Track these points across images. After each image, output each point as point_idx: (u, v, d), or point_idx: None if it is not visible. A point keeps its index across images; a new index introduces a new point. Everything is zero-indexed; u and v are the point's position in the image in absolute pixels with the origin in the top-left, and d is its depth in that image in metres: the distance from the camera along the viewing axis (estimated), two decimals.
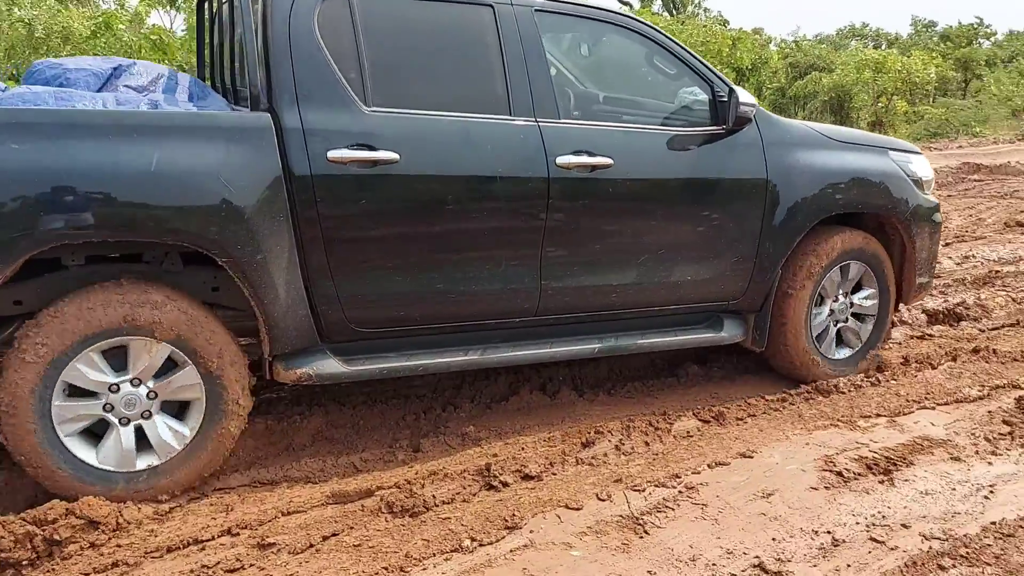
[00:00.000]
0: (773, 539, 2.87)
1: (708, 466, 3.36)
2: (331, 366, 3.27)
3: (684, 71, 3.86)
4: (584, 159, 3.46)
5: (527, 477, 3.24)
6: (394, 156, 3.11)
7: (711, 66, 3.92)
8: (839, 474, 3.33)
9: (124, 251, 3.03)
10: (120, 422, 2.96)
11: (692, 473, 3.30)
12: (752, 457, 3.47)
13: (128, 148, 2.77)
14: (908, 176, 4.33)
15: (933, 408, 4.01)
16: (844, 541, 2.86)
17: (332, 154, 3.04)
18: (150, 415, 3.00)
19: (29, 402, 2.77)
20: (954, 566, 2.72)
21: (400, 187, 3.17)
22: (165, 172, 2.80)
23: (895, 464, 3.41)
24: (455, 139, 3.28)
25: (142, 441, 3.01)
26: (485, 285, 3.42)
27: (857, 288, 4.40)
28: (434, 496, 3.05)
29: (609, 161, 3.51)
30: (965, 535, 2.88)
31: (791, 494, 3.17)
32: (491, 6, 3.40)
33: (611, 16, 3.76)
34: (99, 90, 3.37)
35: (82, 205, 2.70)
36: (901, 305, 4.69)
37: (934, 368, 4.51)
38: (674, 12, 31.42)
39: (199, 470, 3.11)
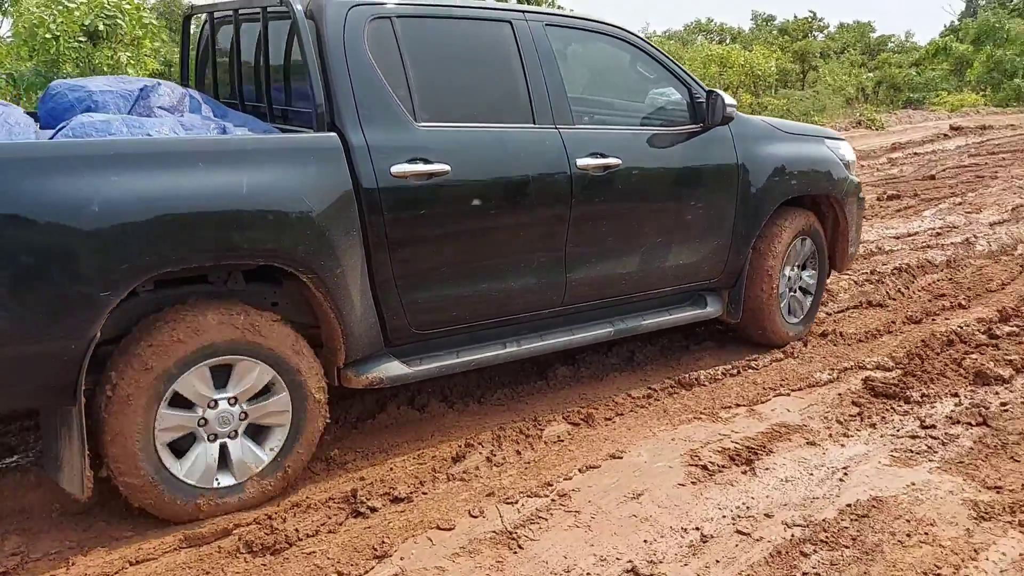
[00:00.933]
0: (645, 541, 2.88)
1: (579, 471, 3.35)
2: (396, 368, 3.43)
3: (665, 75, 4.27)
4: (599, 160, 3.79)
5: (396, 500, 3.13)
6: (446, 168, 3.33)
7: (687, 71, 4.33)
8: (704, 468, 3.39)
9: (192, 273, 2.98)
10: (219, 437, 3.02)
11: (564, 479, 3.28)
12: (621, 457, 3.48)
13: (221, 174, 2.87)
14: (840, 160, 4.92)
15: (788, 394, 4.18)
16: (712, 536, 2.91)
17: (395, 169, 3.22)
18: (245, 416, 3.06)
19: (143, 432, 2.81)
20: (815, 551, 2.81)
21: (452, 196, 3.40)
22: (256, 195, 2.90)
23: (756, 453, 3.51)
24: (493, 148, 3.56)
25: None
26: (523, 281, 3.71)
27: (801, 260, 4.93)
28: (297, 530, 2.89)
29: (618, 161, 3.85)
30: (824, 520, 2.99)
31: (660, 492, 3.20)
32: (509, 22, 3.68)
33: (606, 28, 4.13)
34: (129, 111, 3.39)
35: (189, 232, 2.78)
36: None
37: (787, 354, 4.70)
38: None
39: (290, 474, 3.18)
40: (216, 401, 2.96)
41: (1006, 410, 3.93)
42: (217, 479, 3.01)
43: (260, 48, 3.59)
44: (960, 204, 9.42)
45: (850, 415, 3.92)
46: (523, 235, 3.66)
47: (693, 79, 4.31)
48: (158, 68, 12.21)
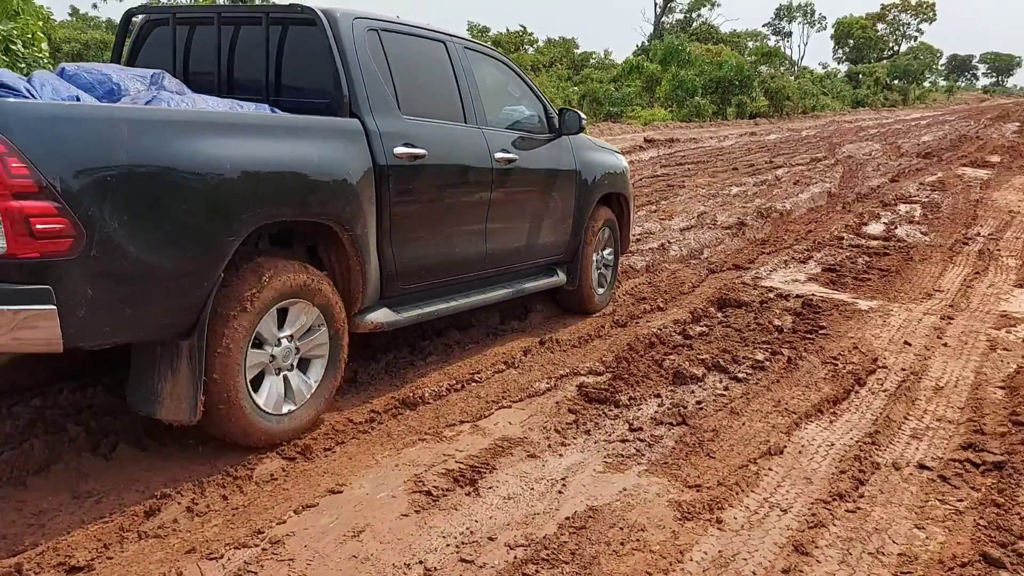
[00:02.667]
0: None
1: (294, 512, 3.08)
2: (390, 315, 4.18)
3: (528, 94, 5.43)
4: (506, 155, 4.83)
5: (73, 570, 2.66)
6: (424, 152, 4.16)
7: (541, 92, 5.53)
8: (428, 493, 3.27)
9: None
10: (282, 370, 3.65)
11: (277, 524, 3.00)
12: (341, 491, 3.26)
13: (305, 146, 3.59)
14: (624, 168, 6.35)
15: (510, 406, 4.20)
16: (436, 569, 2.79)
17: (397, 150, 4.01)
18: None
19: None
20: (537, 571, 2.79)
21: (428, 175, 4.25)
22: (323, 165, 3.62)
23: (479, 472, 3.46)
24: (449, 139, 4.48)
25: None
26: (464, 248, 4.66)
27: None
28: None
29: (516, 157, 4.91)
30: (544, 536, 2.99)
31: (382, 527, 3.03)
32: (444, 43, 4.67)
33: (495, 53, 5.35)
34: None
35: (298, 191, 3.50)
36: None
37: (508, 365, 4.76)
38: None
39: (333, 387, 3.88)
40: (286, 338, 3.61)
41: (701, 408, 4.25)
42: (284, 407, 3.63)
43: (264, 46, 4.10)
44: (655, 211, 10.31)
45: (567, 423, 4.02)
46: (465, 209, 4.61)
47: (546, 99, 5.53)
48: None
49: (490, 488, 3.35)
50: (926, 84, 72.47)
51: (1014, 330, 5.79)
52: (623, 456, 3.70)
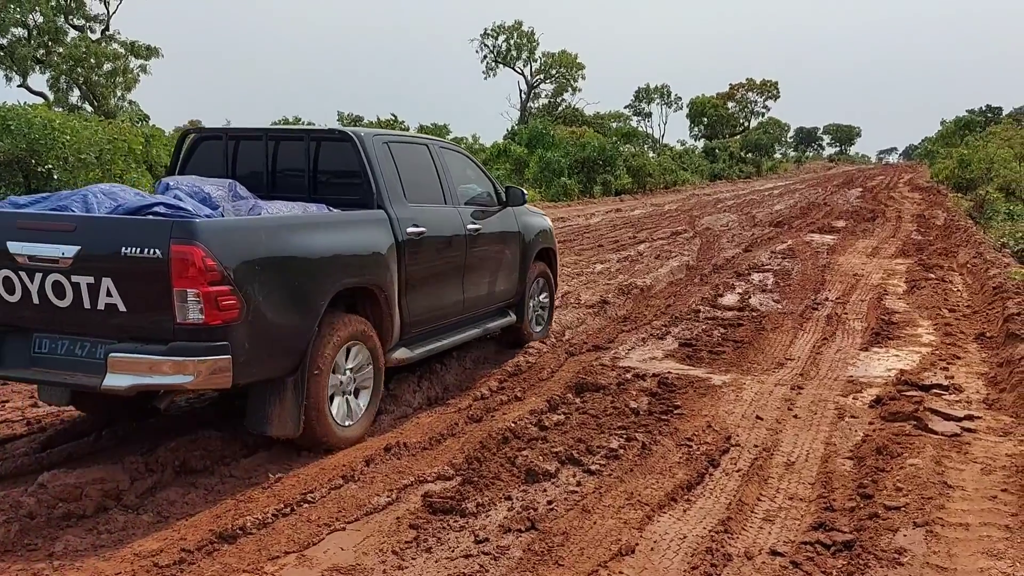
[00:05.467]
0: None
1: None
2: (407, 352, 5.64)
3: (481, 176, 7.04)
4: (474, 225, 6.43)
5: None
6: (424, 229, 5.68)
7: (489, 174, 7.20)
8: None
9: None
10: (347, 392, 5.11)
11: None
12: None
13: (361, 233, 5.18)
14: (550, 227, 7.99)
15: (344, 528, 3.83)
16: None
17: (409, 230, 5.51)
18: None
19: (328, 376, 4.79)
20: None
21: (428, 245, 5.76)
22: (369, 246, 5.19)
23: None
24: (438, 217, 6.00)
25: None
26: (450, 297, 6.17)
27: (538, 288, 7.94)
28: None
29: (480, 226, 6.50)
30: None
31: None
32: (427, 146, 6.35)
33: (457, 147, 6.97)
34: (232, 198, 5.05)
35: (356, 265, 5.08)
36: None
37: (347, 479, 4.39)
38: (95, 103, 29.20)
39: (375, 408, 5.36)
40: (349, 370, 5.03)
41: (552, 509, 4.02)
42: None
43: (305, 158, 5.60)
44: None
45: (406, 542, 3.69)
46: (450, 269, 6.13)
47: (494, 179, 7.12)
48: None
49: None
50: (777, 155, 77.60)
51: (860, 396, 5.90)
52: (465, 575, 3.40)
